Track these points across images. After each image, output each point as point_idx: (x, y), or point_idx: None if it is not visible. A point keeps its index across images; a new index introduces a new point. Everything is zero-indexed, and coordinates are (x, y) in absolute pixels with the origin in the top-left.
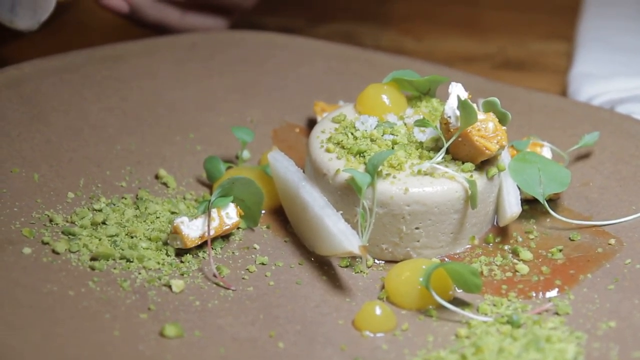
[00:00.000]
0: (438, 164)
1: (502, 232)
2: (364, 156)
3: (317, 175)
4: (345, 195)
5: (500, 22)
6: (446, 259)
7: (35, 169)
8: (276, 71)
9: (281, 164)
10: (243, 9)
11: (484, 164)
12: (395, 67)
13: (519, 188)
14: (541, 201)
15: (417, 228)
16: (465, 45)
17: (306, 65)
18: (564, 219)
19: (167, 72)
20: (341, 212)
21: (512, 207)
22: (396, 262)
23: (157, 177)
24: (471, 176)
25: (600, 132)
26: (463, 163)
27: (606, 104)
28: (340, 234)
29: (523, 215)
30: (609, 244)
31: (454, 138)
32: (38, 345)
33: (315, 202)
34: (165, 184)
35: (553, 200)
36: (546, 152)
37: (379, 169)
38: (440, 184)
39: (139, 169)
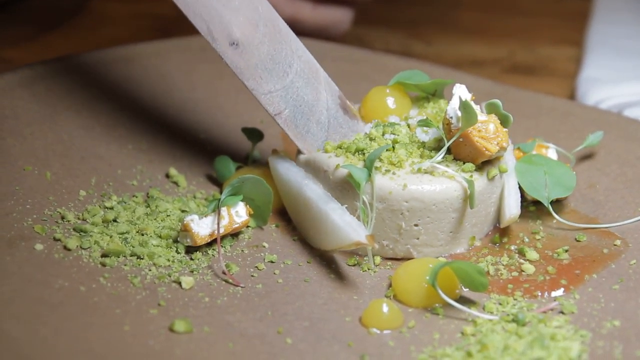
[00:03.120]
0: (439, 163)
1: (508, 233)
2: (363, 154)
3: (317, 173)
4: (346, 190)
5: (510, 27)
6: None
7: (48, 167)
8: None
9: (282, 165)
10: (366, 0)
11: (485, 164)
12: (405, 69)
13: (524, 190)
14: (546, 205)
15: (416, 225)
16: (474, 49)
17: None
18: (568, 222)
19: (178, 73)
20: (346, 206)
21: (512, 209)
22: (397, 259)
23: (167, 176)
24: (471, 176)
25: (607, 135)
26: (464, 163)
27: (614, 108)
28: (347, 226)
29: (530, 216)
30: (615, 245)
31: (454, 138)
32: (49, 339)
33: (320, 199)
34: (175, 182)
35: (559, 201)
36: (552, 153)
37: (379, 166)
38: (439, 183)
39: (150, 168)
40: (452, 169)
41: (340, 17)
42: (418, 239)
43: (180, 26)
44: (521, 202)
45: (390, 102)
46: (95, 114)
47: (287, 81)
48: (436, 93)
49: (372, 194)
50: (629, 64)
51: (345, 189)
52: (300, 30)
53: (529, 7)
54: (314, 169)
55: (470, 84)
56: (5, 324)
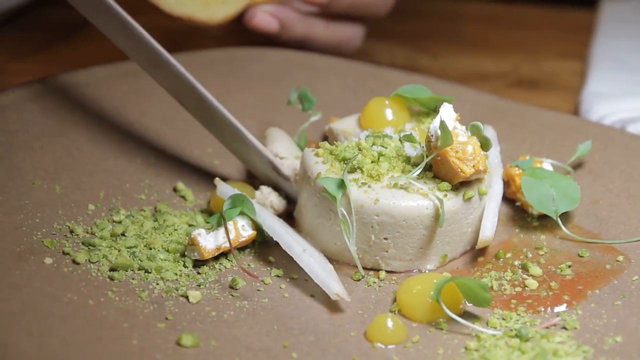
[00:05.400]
0: (417, 179)
1: (512, 248)
2: (348, 164)
3: (304, 176)
4: (324, 199)
5: (515, 40)
6: (417, 271)
7: (57, 181)
8: (293, 87)
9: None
10: (378, 17)
11: (463, 185)
12: (409, 84)
13: (532, 206)
14: (555, 219)
15: (385, 238)
16: (479, 63)
17: (322, 81)
18: (574, 236)
19: None
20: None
21: (485, 231)
22: (366, 268)
23: (175, 190)
24: (445, 195)
25: (611, 151)
26: (441, 182)
27: (617, 123)
28: (318, 279)
29: (533, 232)
30: (617, 261)
31: (431, 157)
32: (58, 352)
33: (289, 248)
34: (183, 197)
35: (563, 217)
36: (547, 167)
37: (357, 178)
38: (412, 199)
39: (157, 182)
40: (428, 186)
41: (352, 34)
42: (387, 251)
43: (189, 39)
44: (526, 217)
45: (388, 113)
46: (104, 128)
47: None
48: (436, 109)
49: (348, 208)
50: (634, 78)
51: (323, 197)
52: (313, 48)
53: (534, 21)
54: (303, 172)
55: (475, 99)
56: (15, 337)
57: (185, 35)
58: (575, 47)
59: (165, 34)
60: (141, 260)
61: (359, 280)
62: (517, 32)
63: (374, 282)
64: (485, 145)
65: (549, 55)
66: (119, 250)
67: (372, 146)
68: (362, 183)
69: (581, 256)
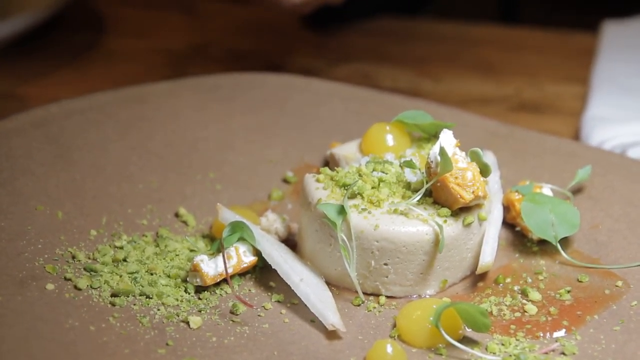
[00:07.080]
0: (417, 205)
1: (512, 273)
2: (348, 189)
3: (304, 202)
4: (325, 224)
5: (517, 64)
6: (415, 297)
7: (60, 206)
8: (295, 112)
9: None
10: None
11: (463, 211)
12: (411, 108)
13: (531, 231)
14: (554, 244)
15: (385, 264)
16: (481, 87)
17: (325, 106)
18: (574, 261)
19: (189, 112)
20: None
21: (485, 256)
22: (366, 293)
23: (177, 215)
24: (445, 221)
25: (611, 176)
26: (441, 207)
27: (618, 148)
28: (314, 309)
29: (533, 257)
30: (616, 286)
31: (431, 183)
32: None
33: (287, 277)
34: (185, 222)
35: (563, 242)
36: (546, 192)
37: (357, 204)
38: (411, 225)
39: (159, 207)
40: (428, 212)
41: None
42: (387, 277)
43: (194, 62)
44: (525, 242)
45: (389, 139)
46: (107, 153)
47: None
48: (437, 134)
49: (348, 234)
50: (635, 102)
51: (324, 223)
52: None
53: (536, 44)
54: (303, 198)
55: (476, 124)
56: None
57: (190, 59)
58: (578, 71)
59: (169, 58)
60: (142, 286)
61: (359, 305)
62: (519, 56)
63: (374, 307)
64: (484, 171)
65: (551, 78)
66: (121, 276)
67: (372, 172)
68: (362, 209)
69: (580, 281)
